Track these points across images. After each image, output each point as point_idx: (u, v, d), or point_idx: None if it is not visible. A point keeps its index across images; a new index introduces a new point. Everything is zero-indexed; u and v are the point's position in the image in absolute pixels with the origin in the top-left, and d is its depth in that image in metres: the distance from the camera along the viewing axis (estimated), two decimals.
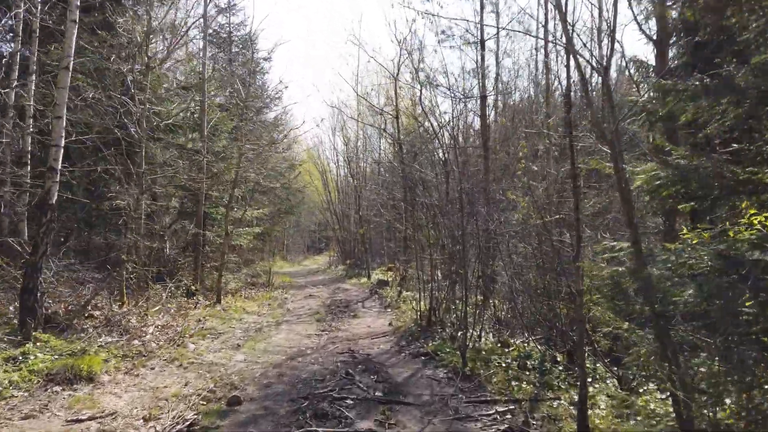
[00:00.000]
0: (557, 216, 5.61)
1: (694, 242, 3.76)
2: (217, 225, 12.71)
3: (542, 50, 13.46)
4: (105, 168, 9.02)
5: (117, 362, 5.79)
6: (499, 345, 6.56)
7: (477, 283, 7.68)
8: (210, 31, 18.01)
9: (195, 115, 11.75)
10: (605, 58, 3.51)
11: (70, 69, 6.10)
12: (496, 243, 7.67)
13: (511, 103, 15.12)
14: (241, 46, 20.58)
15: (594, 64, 3.46)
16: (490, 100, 13.37)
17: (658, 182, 2.84)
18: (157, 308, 8.49)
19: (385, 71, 15.31)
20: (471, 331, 6.69)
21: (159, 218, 12.83)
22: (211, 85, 12.49)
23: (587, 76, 3.29)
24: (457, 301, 7.83)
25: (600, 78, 3.34)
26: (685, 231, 3.90)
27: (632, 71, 8.00)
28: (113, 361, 5.81)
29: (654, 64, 10.83)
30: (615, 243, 3.43)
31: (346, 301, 12.32)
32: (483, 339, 6.94)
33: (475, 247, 7.24)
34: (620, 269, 2.89)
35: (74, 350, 5.86)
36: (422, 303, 8.46)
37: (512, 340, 6.82)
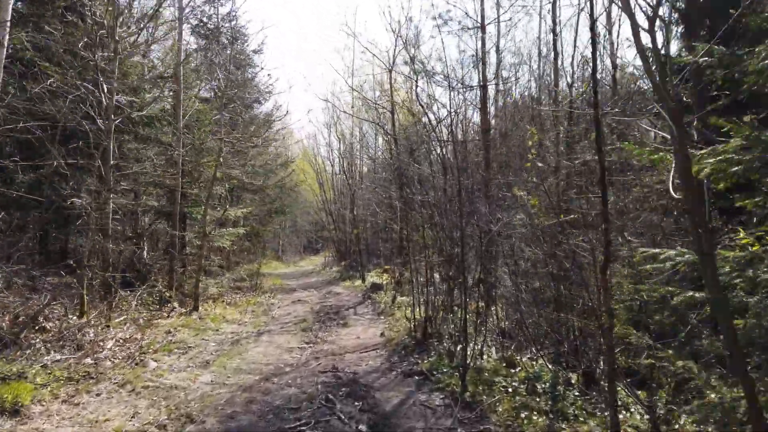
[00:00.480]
0: (572, 216, 4.77)
1: (755, 248, 2.95)
2: (198, 226, 11.85)
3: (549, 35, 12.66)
4: (70, 162, 8.18)
5: (56, 387, 4.94)
6: (503, 364, 5.73)
7: (478, 289, 6.89)
8: (195, 21, 17.16)
9: (174, 106, 10.88)
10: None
11: (5, 44, 5.26)
12: (499, 245, 6.86)
13: (510, 100, 14.32)
14: (232, 37, 19.73)
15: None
16: (491, 92, 12.56)
17: (735, 169, 2.03)
18: (122, 318, 7.63)
19: (380, 63, 14.53)
20: (471, 344, 5.88)
21: (137, 218, 11.98)
22: (191, 75, 11.63)
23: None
24: (456, 308, 7.04)
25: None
26: (742, 234, 3.08)
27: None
28: (53, 385, 4.96)
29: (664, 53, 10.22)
30: (661, 251, 2.59)
31: (337, 307, 11.48)
32: (485, 355, 6.12)
33: (476, 249, 6.47)
34: (697, 295, 2.06)
35: (8, 373, 5.01)
36: (417, 310, 7.64)
37: (518, 357, 6.00)
